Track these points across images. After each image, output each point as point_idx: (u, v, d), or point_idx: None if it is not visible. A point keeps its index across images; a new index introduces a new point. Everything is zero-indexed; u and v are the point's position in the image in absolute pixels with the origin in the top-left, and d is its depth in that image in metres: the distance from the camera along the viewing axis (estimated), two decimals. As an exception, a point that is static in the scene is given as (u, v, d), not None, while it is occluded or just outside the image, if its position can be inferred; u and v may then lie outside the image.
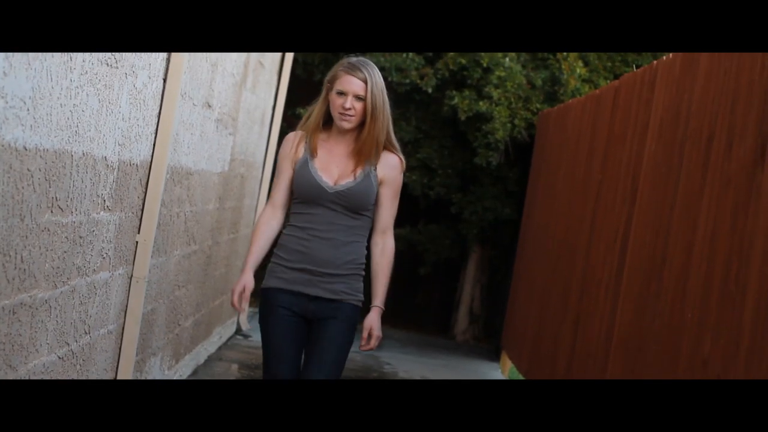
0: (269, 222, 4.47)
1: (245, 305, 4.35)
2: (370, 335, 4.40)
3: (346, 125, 4.35)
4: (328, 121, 4.45)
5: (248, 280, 4.36)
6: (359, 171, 4.39)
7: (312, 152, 4.40)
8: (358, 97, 4.33)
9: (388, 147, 4.44)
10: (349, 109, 4.32)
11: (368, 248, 4.49)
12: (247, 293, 4.35)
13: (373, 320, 4.41)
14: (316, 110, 4.47)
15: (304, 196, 4.39)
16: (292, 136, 4.49)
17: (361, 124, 4.37)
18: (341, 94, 4.33)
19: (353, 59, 4.39)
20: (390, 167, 4.45)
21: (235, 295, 4.33)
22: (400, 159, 4.49)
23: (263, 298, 4.44)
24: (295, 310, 4.36)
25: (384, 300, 4.48)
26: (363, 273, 4.49)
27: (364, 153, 4.37)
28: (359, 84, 4.33)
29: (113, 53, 4.19)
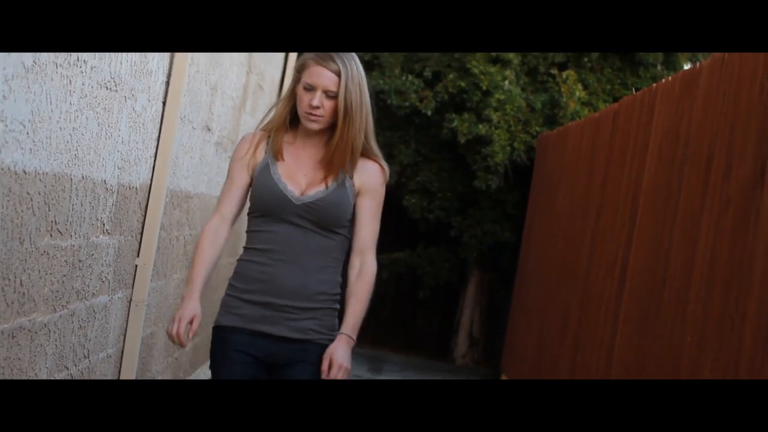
0: (215, 235, 3.67)
1: (189, 339, 3.51)
2: (330, 365, 3.48)
3: (314, 126, 3.56)
4: (294, 120, 3.68)
5: (196, 309, 3.54)
6: (331, 180, 3.60)
7: (275, 155, 3.64)
8: (329, 94, 3.54)
9: (367, 155, 3.66)
10: (318, 107, 3.54)
11: (344, 274, 3.72)
12: (195, 325, 3.50)
13: (335, 348, 3.51)
14: (280, 105, 3.68)
15: (264, 209, 3.62)
16: (249, 137, 3.71)
17: (333, 126, 3.60)
18: (309, 88, 3.55)
19: (330, 52, 3.60)
20: (369, 174, 3.65)
21: (181, 323, 3.47)
22: (382, 167, 3.69)
23: (215, 338, 3.69)
24: (253, 353, 3.59)
25: (356, 330, 3.59)
26: (338, 307, 3.69)
27: (336, 162, 3.59)
28: (331, 77, 3.54)
29: (112, 77, 4.20)
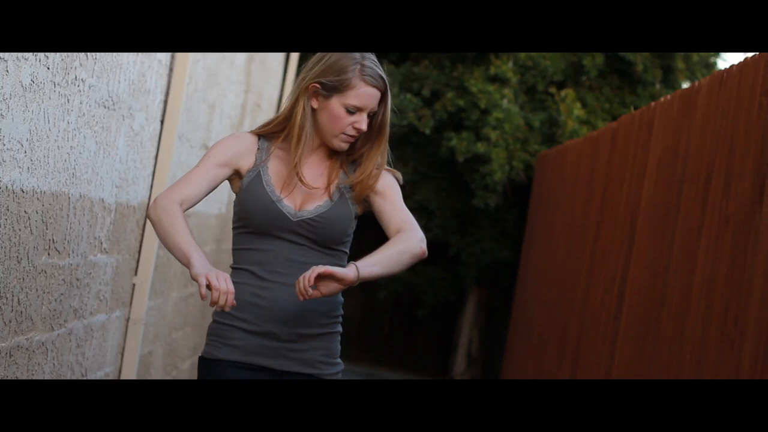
0: (180, 209, 3.14)
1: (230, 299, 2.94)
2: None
3: (345, 147, 3.20)
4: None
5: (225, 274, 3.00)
6: (333, 189, 3.20)
7: (299, 178, 3.17)
8: (369, 113, 3.17)
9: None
10: (361, 130, 3.17)
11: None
12: (231, 290, 2.96)
13: (339, 268, 2.95)
14: (304, 122, 3.19)
15: (255, 225, 3.16)
16: (243, 136, 3.26)
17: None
18: (354, 111, 3.15)
19: (367, 60, 3.15)
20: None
21: (228, 286, 2.96)
22: (388, 169, 3.28)
23: (204, 374, 3.22)
24: None
25: (366, 268, 2.99)
26: (341, 330, 3.29)
27: (361, 190, 3.18)
28: (377, 96, 3.16)
29: (110, 95, 4.19)
